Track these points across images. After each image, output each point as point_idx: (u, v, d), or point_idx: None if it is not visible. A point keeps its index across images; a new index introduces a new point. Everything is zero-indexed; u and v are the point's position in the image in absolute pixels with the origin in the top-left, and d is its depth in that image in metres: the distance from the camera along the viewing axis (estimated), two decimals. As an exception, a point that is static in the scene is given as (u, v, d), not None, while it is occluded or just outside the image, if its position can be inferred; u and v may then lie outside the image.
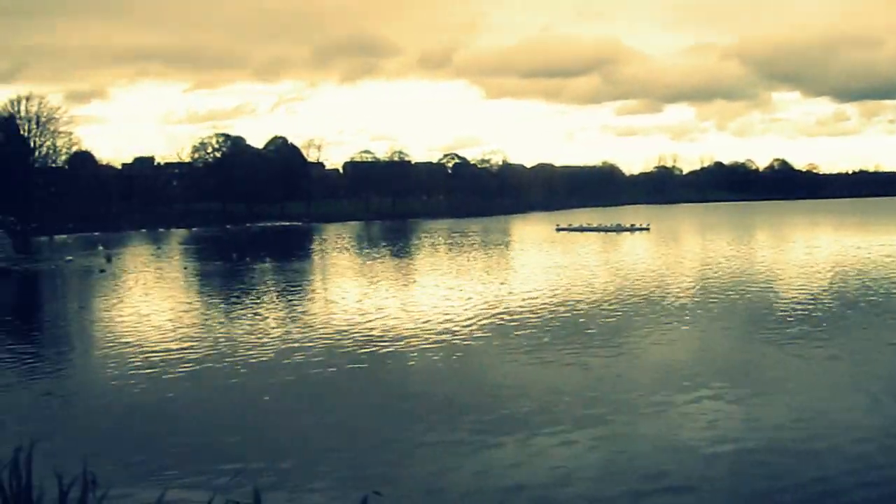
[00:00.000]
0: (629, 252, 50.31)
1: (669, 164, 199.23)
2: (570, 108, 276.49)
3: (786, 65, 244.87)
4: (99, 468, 8.54)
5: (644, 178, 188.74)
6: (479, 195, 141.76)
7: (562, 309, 23.88)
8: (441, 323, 21.50)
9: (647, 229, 71.98)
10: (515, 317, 22.50)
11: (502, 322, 21.66)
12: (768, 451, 10.84)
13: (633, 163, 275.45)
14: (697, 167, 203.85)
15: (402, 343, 18.82)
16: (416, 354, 17.63)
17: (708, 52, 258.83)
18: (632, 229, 73.10)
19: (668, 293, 27.16)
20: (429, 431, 11.89)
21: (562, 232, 73.52)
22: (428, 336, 19.58)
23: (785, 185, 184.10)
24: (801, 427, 11.90)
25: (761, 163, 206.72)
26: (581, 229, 75.46)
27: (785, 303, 24.58)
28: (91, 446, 10.77)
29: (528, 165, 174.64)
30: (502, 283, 32.37)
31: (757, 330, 20.15)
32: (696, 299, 25.61)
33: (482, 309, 24.02)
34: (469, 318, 22.18)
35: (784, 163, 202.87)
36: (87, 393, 14.92)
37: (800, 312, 22.49)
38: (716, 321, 21.60)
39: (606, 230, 73.57)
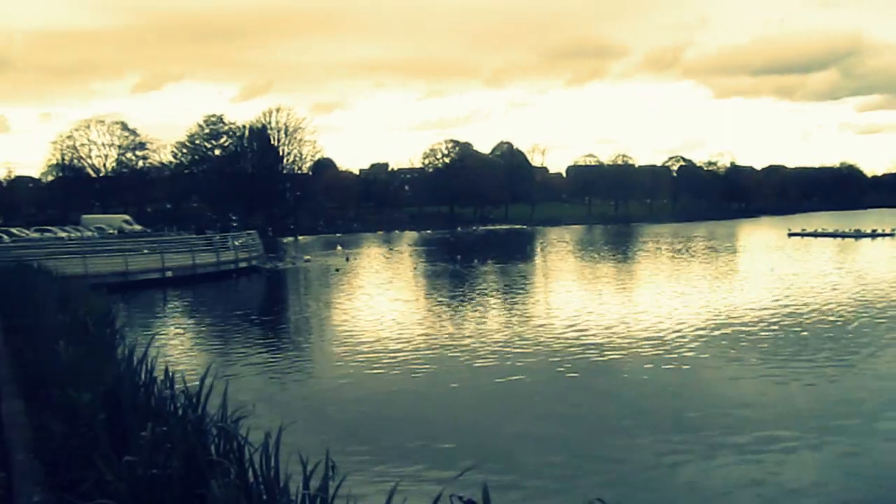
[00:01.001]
0: (870, 260, 46.36)
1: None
2: (805, 106, 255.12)
3: None
4: (338, 455, 9.42)
5: (889, 179, 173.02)
6: (704, 199, 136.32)
7: (796, 320, 22.48)
8: (666, 332, 20.97)
9: (892, 235, 65.97)
10: (744, 327, 21.48)
11: (730, 332, 20.76)
12: None
13: (877, 163, 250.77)
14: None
15: (624, 351, 18.61)
16: (638, 364, 17.37)
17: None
18: (873, 235, 67.33)
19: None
20: (651, 444, 11.71)
21: (794, 237, 69.17)
22: (651, 344, 19.22)
23: None
24: None
25: None
26: (815, 234, 70.48)
27: None
28: (331, 434, 11.80)
29: (758, 167, 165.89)
30: (730, 291, 31.02)
31: None
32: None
33: (709, 318, 23.16)
34: (695, 327, 21.47)
35: None
36: (326, 383, 16.20)
37: None
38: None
39: (844, 236, 68.16)
